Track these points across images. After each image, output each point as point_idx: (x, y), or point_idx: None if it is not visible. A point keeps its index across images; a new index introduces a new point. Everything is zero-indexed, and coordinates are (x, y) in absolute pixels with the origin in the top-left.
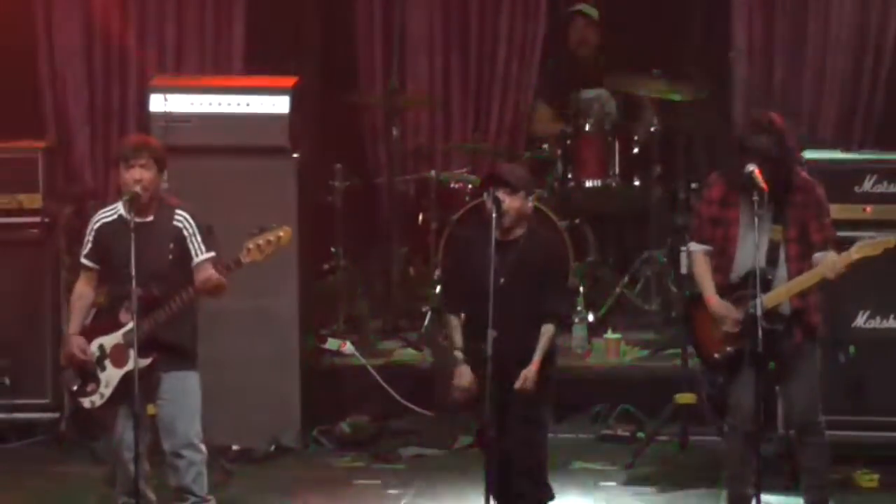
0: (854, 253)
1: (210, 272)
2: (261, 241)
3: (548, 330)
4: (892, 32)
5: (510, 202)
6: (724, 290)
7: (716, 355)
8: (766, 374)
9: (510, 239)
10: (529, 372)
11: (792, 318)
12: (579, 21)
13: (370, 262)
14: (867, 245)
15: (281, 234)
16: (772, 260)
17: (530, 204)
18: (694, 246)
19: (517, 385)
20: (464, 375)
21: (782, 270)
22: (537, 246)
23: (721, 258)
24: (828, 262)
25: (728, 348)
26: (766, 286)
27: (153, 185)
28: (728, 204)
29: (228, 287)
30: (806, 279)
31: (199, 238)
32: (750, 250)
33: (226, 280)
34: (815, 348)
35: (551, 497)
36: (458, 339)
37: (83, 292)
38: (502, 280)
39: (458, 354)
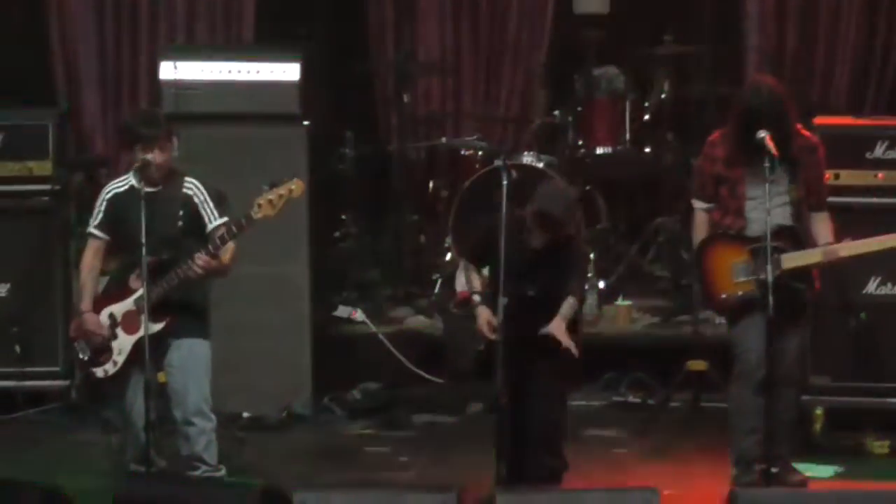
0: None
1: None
2: (272, 197)
3: (569, 299)
4: None
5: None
6: (743, 241)
7: (723, 296)
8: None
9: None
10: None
11: (809, 280)
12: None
13: (381, 230)
14: None
15: (293, 186)
16: (798, 217)
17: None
18: (696, 203)
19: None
20: (482, 315)
21: (766, 230)
22: (564, 259)
23: (735, 217)
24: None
25: (740, 292)
26: (798, 244)
27: (168, 161)
28: (733, 163)
29: (240, 254)
30: (866, 244)
31: (210, 205)
32: (758, 206)
33: (229, 256)
34: (809, 309)
35: (566, 468)
36: (476, 282)
37: (92, 264)
38: (531, 293)
39: (477, 297)
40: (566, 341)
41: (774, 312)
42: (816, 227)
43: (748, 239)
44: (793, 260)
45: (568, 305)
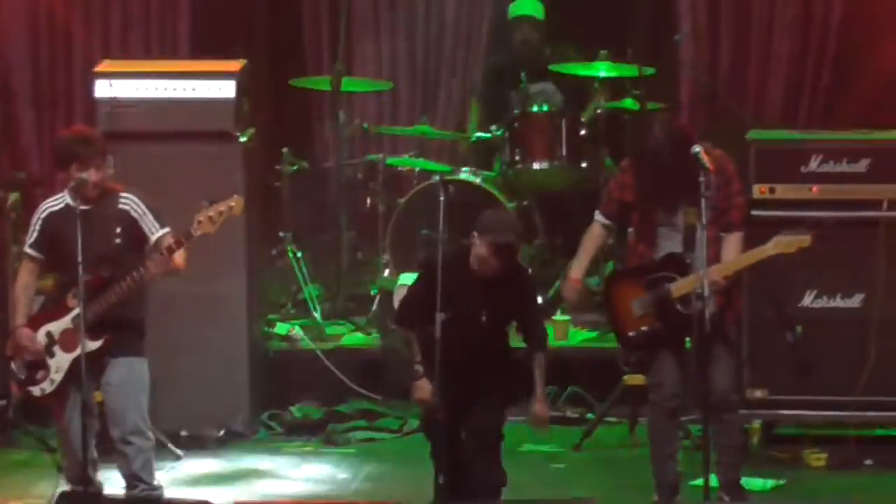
0: (770, 249)
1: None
2: (211, 213)
3: (540, 359)
4: (837, 10)
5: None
6: (639, 275)
7: (630, 334)
8: (684, 354)
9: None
10: (541, 412)
11: (709, 301)
12: (523, 25)
13: (318, 247)
14: (783, 242)
15: (232, 203)
16: (689, 243)
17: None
18: (597, 216)
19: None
20: (422, 389)
21: (700, 253)
22: (516, 286)
23: (647, 246)
24: (745, 257)
25: (643, 328)
26: (685, 270)
27: (104, 179)
28: (639, 193)
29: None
30: (735, 263)
31: (150, 217)
32: (670, 234)
33: (181, 259)
34: (732, 329)
35: (505, 482)
36: (415, 352)
37: (27, 283)
38: (484, 318)
39: (419, 368)
40: (545, 425)
41: (674, 339)
42: (724, 249)
43: (644, 271)
44: (681, 288)
45: (541, 370)
